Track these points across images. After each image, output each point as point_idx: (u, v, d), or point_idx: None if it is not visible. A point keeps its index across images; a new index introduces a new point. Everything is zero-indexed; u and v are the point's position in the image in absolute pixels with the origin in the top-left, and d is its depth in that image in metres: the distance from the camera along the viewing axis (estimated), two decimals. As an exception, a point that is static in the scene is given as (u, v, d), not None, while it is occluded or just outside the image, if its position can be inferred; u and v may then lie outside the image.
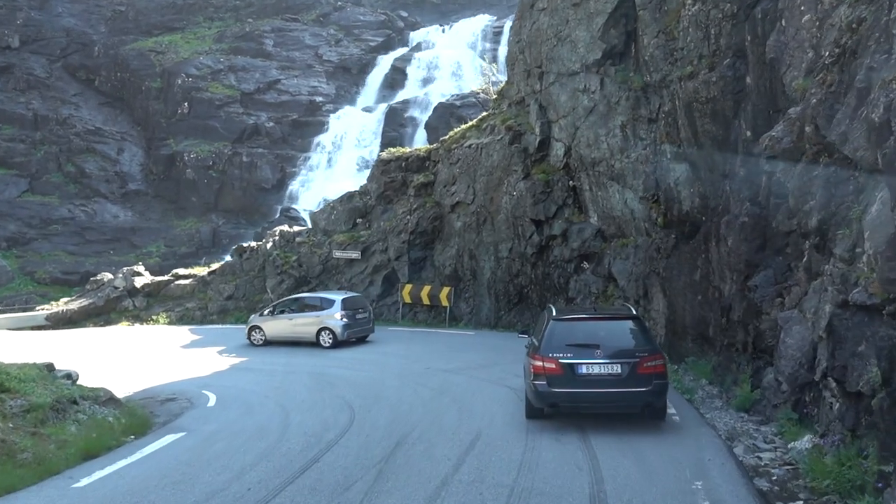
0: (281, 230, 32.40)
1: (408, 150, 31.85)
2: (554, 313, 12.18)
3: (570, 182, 24.90)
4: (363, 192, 31.67)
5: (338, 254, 30.25)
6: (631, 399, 11.27)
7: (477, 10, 57.79)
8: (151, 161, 49.83)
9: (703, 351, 18.52)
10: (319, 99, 51.17)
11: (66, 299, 32.56)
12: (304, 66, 54.57)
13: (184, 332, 27.41)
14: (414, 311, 29.56)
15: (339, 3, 60.74)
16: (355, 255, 30.13)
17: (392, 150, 32.13)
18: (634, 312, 13.01)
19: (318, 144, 47.41)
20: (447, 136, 31.04)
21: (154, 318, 30.02)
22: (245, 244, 33.04)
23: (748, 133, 16.60)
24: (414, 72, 49.66)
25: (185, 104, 51.00)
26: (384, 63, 52.11)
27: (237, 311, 30.78)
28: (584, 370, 11.13)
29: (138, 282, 31.50)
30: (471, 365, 18.94)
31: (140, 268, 32.70)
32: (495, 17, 52.95)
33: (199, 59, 54.27)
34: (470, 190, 28.29)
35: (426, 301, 28.88)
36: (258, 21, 58.48)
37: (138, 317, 30.41)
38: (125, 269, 32.35)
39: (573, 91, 24.10)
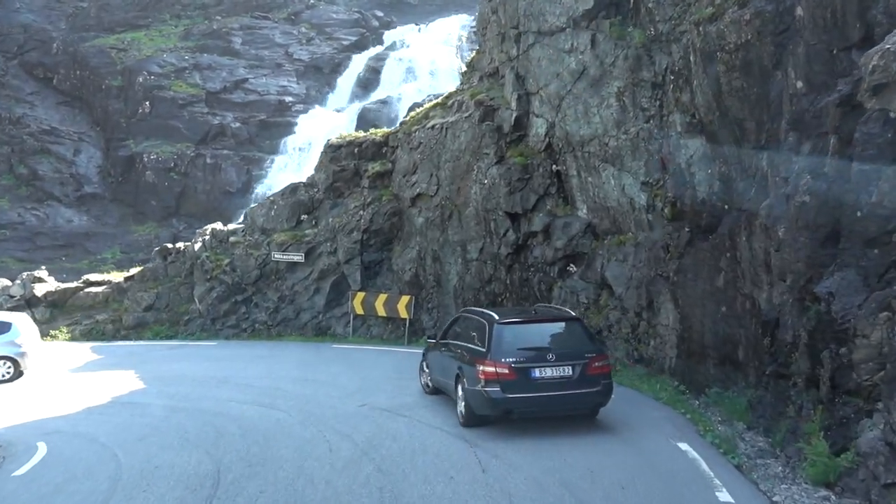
0: (213, 228, 27.50)
1: (361, 134, 27.11)
2: (496, 317, 11.87)
3: (554, 166, 20.26)
4: (309, 183, 26.88)
5: (277, 256, 25.41)
6: (582, 400, 11.47)
7: (454, 10, 55.25)
8: (109, 163, 47.54)
9: (730, 379, 13.98)
10: (289, 99, 49.18)
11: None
12: (274, 65, 52.43)
13: (83, 352, 22.42)
14: (367, 324, 24.78)
15: (312, 1, 58.36)
16: (298, 257, 25.30)
17: (343, 134, 27.36)
18: (574, 314, 13.40)
19: (286, 146, 44.92)
20: (407, 118, 26.36)
21: (53, 333, 24.99)
22: (171, 245, 28.06)
23: (798, 84, 12.07)
24: (388, 72, 47.47)
25: (147, 103, 48.68)
26: (357, 63, 50.10)
27: (157, 324, 25.82)
28: (537, 374, 11.16)
29: (39, 289, 26.41)
30: (423, 400, 14.19)
31: (43, 272, 27.59)
32: (473, 17, 49.40)
33: (163, 56, 51.85)
34: (433, 179, 23.58)
35: (382, 312, 24.13)
36: (226, 19, 56.19)
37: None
38: (25, 274, 27.24)
39: (557, 53, 19.51)
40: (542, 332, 11.84)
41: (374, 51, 50.93)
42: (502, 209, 20.89)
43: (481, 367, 11.07)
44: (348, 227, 25.19)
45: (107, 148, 48.54)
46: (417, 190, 24.08)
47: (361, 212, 25.24)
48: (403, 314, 23.74)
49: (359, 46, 52.63)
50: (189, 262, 26.71)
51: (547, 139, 20.40)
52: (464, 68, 25.29)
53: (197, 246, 26.64)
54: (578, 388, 11.24)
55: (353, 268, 25.03)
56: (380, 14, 56.36)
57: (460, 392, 11.81)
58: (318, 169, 27.10)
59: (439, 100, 25.46)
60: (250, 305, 25.91)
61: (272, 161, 45.03)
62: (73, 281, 28.21)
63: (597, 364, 11.51)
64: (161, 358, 20.84)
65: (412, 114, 26.26)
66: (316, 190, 26.59)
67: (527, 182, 20.48)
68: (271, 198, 27.31)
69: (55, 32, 53.41)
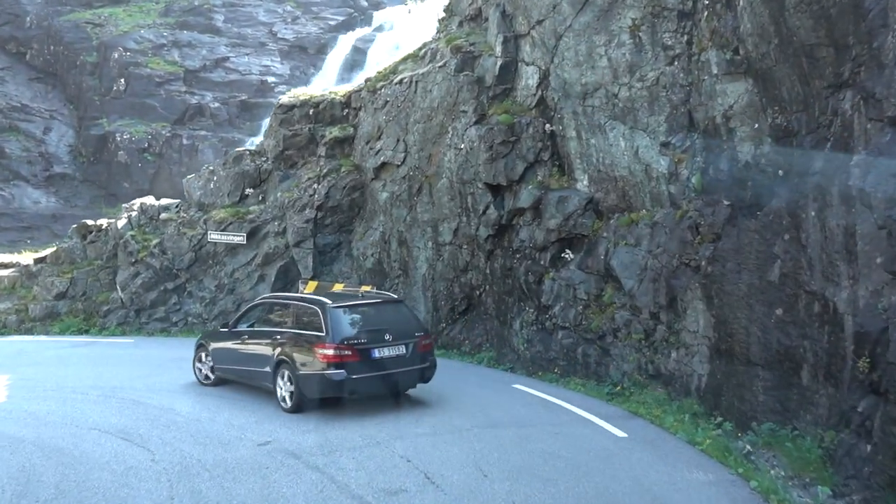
0: (142, 203, 23.19)
1: (318, 93, 22.84)
2: (328, 302, 11.90)
3: (547, 126, 16.09)
4: (257, 151, 22.62)
5: (214, 236, 21.19)
6: (413, 376, 12.15)
7: (445, -8, 53.56)
8: (81, 142, 45.66)
9: (789, 411, 9.99)
10: (272, 79, 47.94)
11: None
12: (257, 43, 50.72)
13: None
14: (320, 319, 20.58)
15: None
16: (239, 238, 21.09)
17: (297, 92, 23.02)
18: (396, 296, 14.07)
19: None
20: (374, 74, 22.08)
21: (-60, 323, 20.82)
22: (91, 221, 23.72)
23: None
24: (375, 53, 45.34)
25: (122, 80, 46.85)
26: (344, 43, 48.14)
27: (71, 314, 21.59)
28: (377, 354, 11.59)
29: (-70, 272, 22.20)
30: (356, 440, 10.07)
31: (-63, 252, 23.37)
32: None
33: (140, 32, 50.06)
34: (399, 145, 19.37)
35: (337, 306, 20.00)
36: None
37: (-75, 322, 21.20)
38: (-87, 254, 23.01)
39: (554, -20, 15.32)
40: (375, 314, 12.22)
41: (361, 31, 49.07)
42: (482, 180, 16.73)
43: (322, 351, 11.24)
44: (300, 202, 20.98)
45: (79, 127, 47.02)
46: (382, 158, 19.88)
47: (316, 185, 21.02)
48: (363, 308, 19.60)
49: (346, 26, 51.22)
50: (112, 242, 22.45)
51: (539, 92, 16.21)
52: (441, 14, 21.01)
53: (121, 223, 22.37)
54: (412, 364, 11.96)
55: (305, 252, 20.81)
56: (369, -7, 56.56)
57: (285, 379, 11.73)
58: (267, 134, 22.90)
59: (412, 51, 21.18)
60: (182, 295, 21.71)
61: (252, 143, 43.37)
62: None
63: (424, 342, 12.30)
64: (52, 360, 16.62)
65: (379, 70, 21.98)
66: (264, 159, 22.34)
67: (513, 146, 16.30)
68: (210, 167, 23.00)
69: (30, 6, 51.52)
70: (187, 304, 21.67)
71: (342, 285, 20.13)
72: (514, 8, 16.75)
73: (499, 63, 16.94)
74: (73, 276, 22.03)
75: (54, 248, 23.27)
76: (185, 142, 44.48)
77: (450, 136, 17.71)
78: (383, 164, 19.93)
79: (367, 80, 21.72)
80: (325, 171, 21.14)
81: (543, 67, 15.91)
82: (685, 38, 13.20)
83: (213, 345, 13.66)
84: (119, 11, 53.15)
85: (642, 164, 13.87)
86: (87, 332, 20.82)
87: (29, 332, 21.08)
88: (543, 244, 15.67)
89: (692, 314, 12.17)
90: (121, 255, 22.07)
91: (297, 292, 20.75)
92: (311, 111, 21.81)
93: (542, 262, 15.73)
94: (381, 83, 20.46)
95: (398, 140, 19.41)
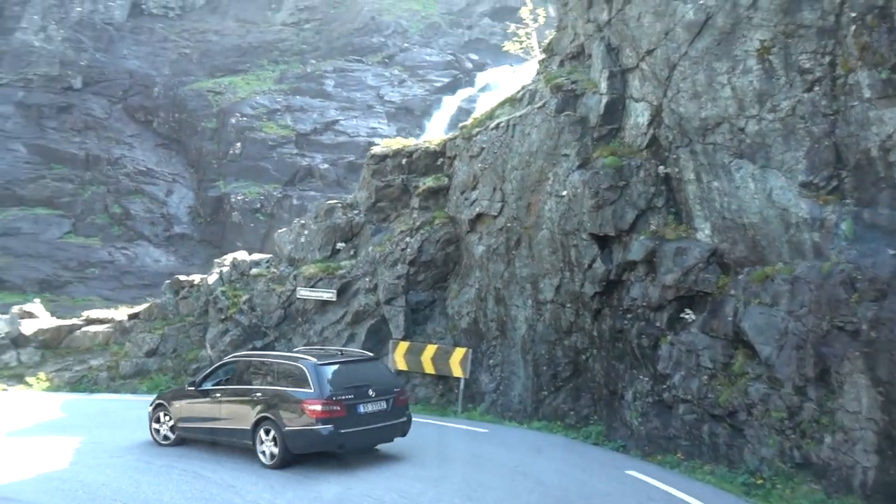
0: (234, 258, 22.66)
1: (412, 142, 21.80)
2: (313, 359, 12.28)
3: (661, 168, 14.19)
4: (349, 204, 21.69)
5: (303, 293, 20.22)
6: (393, 430, 12.55)
7: (550, 55, 54.30)
8: (199, 203, 48.12)
9: None
10: (378, 140, 50.00)
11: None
12: (365, 106, 52.74)
13: (47, 406, 17.68)
14: (412, 383, 19.07)
15: (406, 45, 58.88)
16: (329, 295, 20.02)
17: (389, 141, 22.07)
18: (371, 354, 14.27)
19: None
20: (469, 120, 20.85)
21: (29, 381, 20.56)
22: (184, 277, 23.38)
23: None
24: (480, 112, 45.41)
25: (238, 144, 49.39)
26: (449, 104, 48.87)
27: (161, 372, 21.03)
28: (362, 409, 12.01)
29: (28, 326, 22.15)
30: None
31: (36, 306, 23.42)
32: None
33: (256, 98, 52.99)
34: (497, 194, 17.90)
35: (430, 369, 18.46)
36: (321, 62, 57.75)
37: (22, 377, 21.06)
38: (15, 307, 23.14)
39: (665, 4, 13.62)
40: (356, 371, 12.52)
41: (465, 92, 49.98)
42: (586, 231, 14.93)
43: (311, 407, 11.54)
44: (391, 257, 19.76)
45: (198, 189, 49.46)
46: (477, 209, 18.44)
47: (409, 238, 19.79)
48: (458, 372, 17.98)
49: (451, 88, 52.39)
50: (204, 298, 21.92)
51: (650, 130, 14.38)
52: (539, 55, 19.61)
53: (212, 279, 21.82)
54: (392, 419, 12.38)
55: (396, 310, 19.48)
56: (474, 57, 56.33)
57: (269, 436, 11.87)
58: (359, 186, 21.92)
59: (509, 96, 19.85)
60: (271, 355, 20.73)
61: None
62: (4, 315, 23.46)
63: (401, 397, 12.80)
64: (130, 421, 15.70)
65: (475, 116, 20.74)
66: (356, 212, 21.36)
67: (621, 192, 14.46)
68: (302, 220, 22.24)
69: (158, 77, 55.50)
70: (276, 365, 20.66)
71: (435, 347, 18.74)
72: (621, 39, 15.11)
73: (604, 101, 15.26)
74: (164, 332, 21.57)
75: (148, 305, 22.95)
76: (294, 202, 45.73)
77: (550, 182, 16.07)
78: (479, 216, 18.48)
79: (461, 127, 20.51)
80: (418, 223, 19.90)
81: (655, 103, 14.11)
82: (827, 58, 11.15)
83: (177, 404, 13.57)
84: (238, 80, 56.41)
85: (777, 209, 11.74)
86: (173, 392, 20.12)
87: (117, 390, 20.60)
88: (659, 303, 13.62)
89: (851, 390, 9.84)
90: (211, 311, 21.47)
91: (388, 355, 19.51)
92: (403, 161, 20.74)
93: (657, 324, 13.66)
94: (477, 129, 19.17)
95: (494, 189, 17.95)
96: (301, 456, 11.82)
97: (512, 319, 17.31)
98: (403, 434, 12.77)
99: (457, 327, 19.04)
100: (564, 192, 15.47)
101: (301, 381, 11.94)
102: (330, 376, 11.95)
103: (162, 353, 21.47)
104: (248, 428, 12.16)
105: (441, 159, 20.72)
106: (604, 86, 15.32)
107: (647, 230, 14.17)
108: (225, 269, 22.05)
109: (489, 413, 17.31)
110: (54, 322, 22.84)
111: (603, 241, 14.83)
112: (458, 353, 18.15)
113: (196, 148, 51.26)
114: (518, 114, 17.40)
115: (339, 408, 11.60)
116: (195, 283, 22.52)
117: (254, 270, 21.67)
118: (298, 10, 62.18)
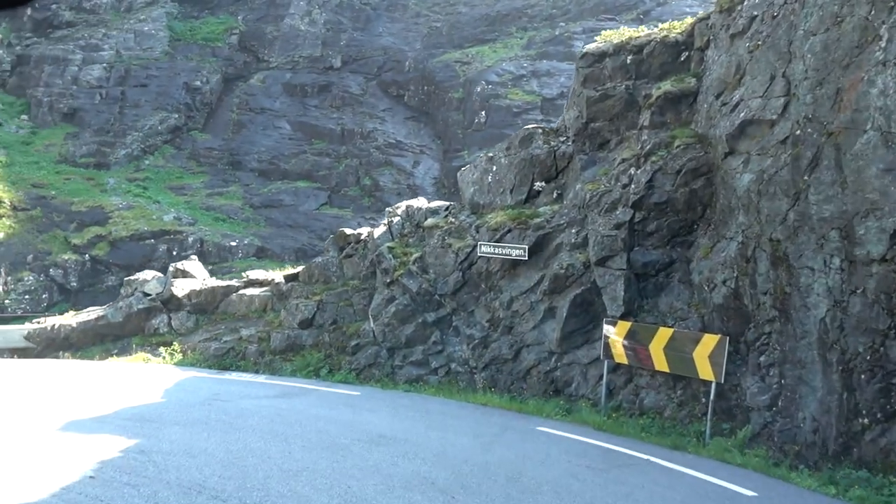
0: (408, 206, 17.76)
1: (642, 31, 15.18)
2: None
3: None
4: (553, 129, 15.71)
5: (485, 249, 14.72)
6: None
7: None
8: (443, 174, 47.58)
9: None
10: None
11: (72, 312, 21.50)
12: None
13: (156, 387, 13.92)
14: (634, 384, 12.84)
15: None
16: (518, 252, 14.35)
17: (609, 33, 15.55)
18: None
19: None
20: (732, -11, 13.79)
21: (169, 352, 17.31)
22: (350, 231, 18.89)
23: None
24: None
25: (483, 113, 48.79)
26: None
27: (315, 349, 16.77)
28: None
29: (181, 287, 19.00)
30: None
31: (193, 264, 20.18)
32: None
33: (502, 65, 52.11)
34: (776, 84, 10.94)
35: (662, 364, 12.19)
36: (570, 24, 55.62)
37: (170, 345, 17.97)
38: (172, 265, 20.10)
39: None
40: None
41: None
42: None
43: None
44: (608, 198, 13.57)
45: (443, 159, 49.90)
46: (742, 114, 11.58)
47: (634, 170, 13.46)
48: (706, 373, 11.59)
49: None
50: (371, 256, 17.30)
51: None
52: None
53: (378, 232, 17.09)
54: None
55: (614, 275, 13.28)
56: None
57: None
58: (568, 105, 15.83)
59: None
60: (447, 331, 15.58)
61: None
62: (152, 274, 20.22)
63: None
64: (231, 416, 11.33)
65: (742, -18, 13.60)
66: (563, 139, 15.36)
67: None
68: (490, 153, 16.64)
69: (410, 52, 57.41)
70: (452, 345, 15.47)
71: (671, 331, 12.31)
72: None
73: None
74: (322, 298, 17.30)
75: (308, 264, 18.90)
76: (535, 169, 43.62)
77: (882, 45, 8.85)
78: (745, 125, 11.60)
79: (717, 3, 13.53)
80: (648, 147, 13.44)
81: None
82: None
83: None
84: (485, 49, 56.32)
85: None
86: (317, 374, 15.74)
87: (258, 370, 16.62)
88: None
89: None
90: (378, 273, 16.78)
91: (599, 340, 13.38)
92: (629, 59, 14.37)
93: None
94: (745, -6, 12.17)
95: (773, 77, 10.98)
96: None
97: (802, 291, 10.33)
98: None
99: (706, 303, 12.40)
100: (916, 55, 8.22)
101: None
102: None
103: (319, 324, 17.21)
104: None
105: (685, 53, 13.99)
106: None
107: None
108: (395, 220, 17.20)
109: (757, 444, 10.61)
110: (209, 283, 19.56)
111: None
112: (709, 342, 11.61)
113: (443, 119, 51.63)
114: (820, -60, 10.21)
115: None
116: (362, 237, 17.98)
117: (429, 221, 16.56)
118: (550, -28, 60.50)
